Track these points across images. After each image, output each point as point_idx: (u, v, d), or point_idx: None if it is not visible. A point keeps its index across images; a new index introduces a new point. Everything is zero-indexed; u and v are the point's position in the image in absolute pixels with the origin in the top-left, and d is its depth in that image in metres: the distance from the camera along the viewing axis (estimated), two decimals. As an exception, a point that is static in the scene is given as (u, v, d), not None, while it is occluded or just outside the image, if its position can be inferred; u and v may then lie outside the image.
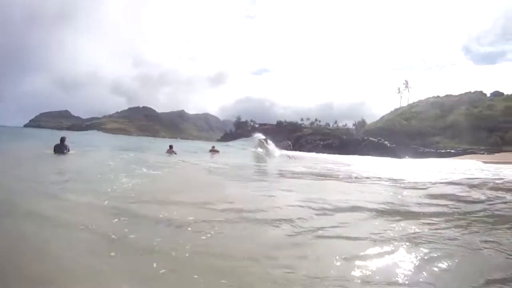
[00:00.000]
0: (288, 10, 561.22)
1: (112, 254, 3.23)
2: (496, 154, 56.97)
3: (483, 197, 7.73)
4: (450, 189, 9.18)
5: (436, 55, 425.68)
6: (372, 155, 54.36)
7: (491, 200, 7.32)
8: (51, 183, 6.64)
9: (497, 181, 11.42)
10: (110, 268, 2.98)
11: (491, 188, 9.55)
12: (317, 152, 55.21)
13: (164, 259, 3.19)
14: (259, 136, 31.47)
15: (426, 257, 3.59)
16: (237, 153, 23.71)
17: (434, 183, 10.60)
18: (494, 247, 4.02)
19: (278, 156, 27.32)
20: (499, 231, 4.75)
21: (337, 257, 3.44)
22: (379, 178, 11.71)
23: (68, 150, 12.06)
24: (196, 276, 2.89)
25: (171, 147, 17.42)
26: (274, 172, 14.14)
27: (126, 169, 9.03)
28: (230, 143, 35.78)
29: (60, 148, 11.82)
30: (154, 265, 3.05)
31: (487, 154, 59.67)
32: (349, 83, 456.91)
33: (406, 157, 54.79)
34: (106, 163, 10.60)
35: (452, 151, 65.94)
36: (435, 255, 3.66)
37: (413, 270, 3.28)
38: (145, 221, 4.40)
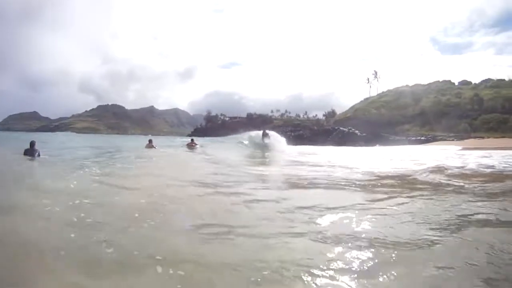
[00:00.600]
0: (256, 3, 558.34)
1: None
2: (466, 140, 57.74)
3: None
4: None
5: (404, 46, 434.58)
6: (343, 145, 53.76)
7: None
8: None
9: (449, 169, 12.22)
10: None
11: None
12: (288, 144, 53.87)
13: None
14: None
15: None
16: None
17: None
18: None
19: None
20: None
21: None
22: (333, 165, 13.92)
23: (39, 155, 11.38)
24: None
25: (150, 141, 17.45)
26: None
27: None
28: (220, 139, 32.68)
29: (31, 153, 11.19)
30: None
31: (456, 140, 60.18)
32: (318, 74, 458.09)
33: (377, 145, 55.03)
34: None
35: (422, 138, 66.24)
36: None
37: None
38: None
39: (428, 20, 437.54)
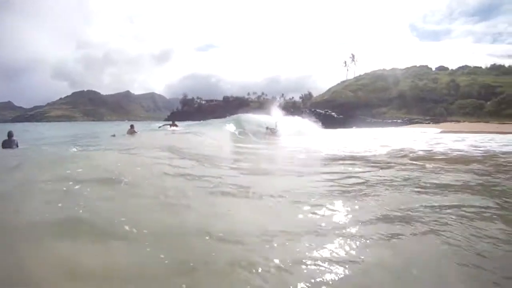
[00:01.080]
0: None
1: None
2: (442, 124, 58.19)
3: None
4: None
5: (383, 32, 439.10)
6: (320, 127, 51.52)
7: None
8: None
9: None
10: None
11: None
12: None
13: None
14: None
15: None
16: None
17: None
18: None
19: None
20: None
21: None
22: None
23: (17, 146, 10.92)
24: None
25: (132, 126, 16.91)
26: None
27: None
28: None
29: (9, 144, 10.72)
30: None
31: (433, 123, 60.38)
32: (296, 57, 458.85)
33: (354, 127, 55.75)
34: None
35: (399, 121, 66.57)
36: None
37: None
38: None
39: (408, 7, 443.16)
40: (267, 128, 22.55)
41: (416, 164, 9.50)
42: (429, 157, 11.91)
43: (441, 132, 37.58)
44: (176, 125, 20.88)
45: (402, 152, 13.21)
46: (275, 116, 26.10)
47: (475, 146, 16.61)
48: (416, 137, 25.08)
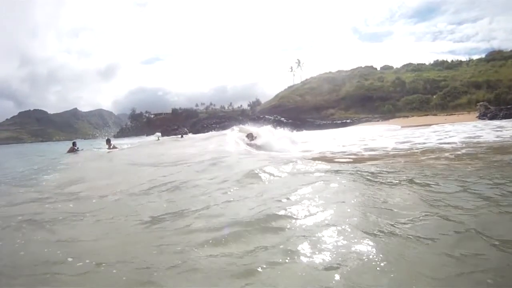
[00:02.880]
0: None
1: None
2: (391, 120, 59.29)
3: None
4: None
5: (326, 36, 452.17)
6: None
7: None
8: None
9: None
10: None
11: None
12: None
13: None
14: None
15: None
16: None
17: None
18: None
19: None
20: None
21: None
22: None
23: None
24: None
25: (74, 144, 16.99)
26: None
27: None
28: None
29: None
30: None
31: (381, 121, 61.04)
32: (241, 65, 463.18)
33: (304, 130, 54.11)
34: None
35: (348, 121, 66.02)
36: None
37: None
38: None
39: (349, 11, 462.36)
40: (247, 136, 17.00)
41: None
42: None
43: (402, 127, 37.35)
44: (111, 145, 18.09)
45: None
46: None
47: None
48: (381, 134, 24.26)
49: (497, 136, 16.14)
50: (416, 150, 11.69)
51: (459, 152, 10.00)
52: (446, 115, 56.11)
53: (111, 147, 17.98)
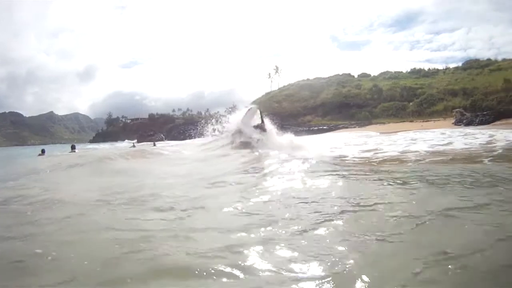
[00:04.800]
0: (158, 1, 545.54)
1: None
2: (367, 127, 59.10)
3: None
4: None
5: (304, 43, 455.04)
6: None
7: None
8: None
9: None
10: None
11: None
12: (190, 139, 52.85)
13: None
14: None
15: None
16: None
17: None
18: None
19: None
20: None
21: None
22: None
23: None
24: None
25: (43, 151, 17.55)
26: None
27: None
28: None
29: None
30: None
31: (358, 127, 60.68)
32: (219, 71, 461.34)
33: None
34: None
35: (325, 127, 65.17)
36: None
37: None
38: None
39: (329, 20, 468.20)
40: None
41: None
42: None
43: (381, 134, 36.11)
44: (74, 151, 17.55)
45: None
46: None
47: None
48: (350, 142, 23.32)
49: (466, 144, 15.77)
50: (376, 159, 11.53)
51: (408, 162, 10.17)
52: (423, 121, 56.22)
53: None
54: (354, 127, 61.89)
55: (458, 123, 44.89)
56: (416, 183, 5.64)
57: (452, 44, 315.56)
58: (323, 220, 3.80)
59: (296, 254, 2.92)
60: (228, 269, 2.70)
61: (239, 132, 15.22)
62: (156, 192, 5.78)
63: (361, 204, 4.40)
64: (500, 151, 12.23)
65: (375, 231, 3.35)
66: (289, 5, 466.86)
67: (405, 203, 4.35)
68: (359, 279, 2.45)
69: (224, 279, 2.60)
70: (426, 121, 55.24)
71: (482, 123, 40.35)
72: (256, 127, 15.35)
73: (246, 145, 14.00)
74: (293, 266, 2.71)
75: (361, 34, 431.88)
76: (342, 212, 4.06)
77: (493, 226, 3.36)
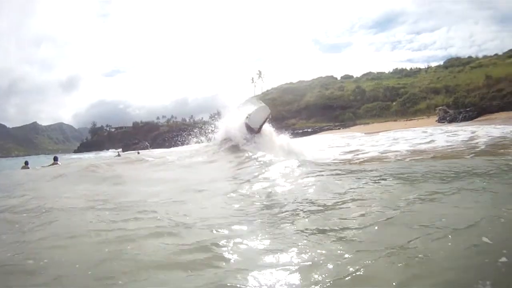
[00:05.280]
0: (141, 9, 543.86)
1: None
2: (351, 128, 59.34)
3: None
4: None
5: (287, 47, 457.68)
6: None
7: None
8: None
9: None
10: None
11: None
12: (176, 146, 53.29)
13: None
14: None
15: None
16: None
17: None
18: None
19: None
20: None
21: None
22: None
23: None
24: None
25: (26, 163, 16.43)
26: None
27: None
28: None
29: None
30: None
31: (342, 128, 60.79)
32: (201, 77, 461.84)
33: None
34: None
35: (309, 130, 64.49)
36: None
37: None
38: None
39: (310, 23, 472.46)
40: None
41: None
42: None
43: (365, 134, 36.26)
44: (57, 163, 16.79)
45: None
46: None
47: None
48: (333, 144, 23.73)
49: (448, 141, 15.61)
50: (357, 160, 11.83)
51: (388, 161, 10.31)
52: (406, 120, 56.39)
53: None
54: (339, 128, 61.86)
55: (441, 120, 44.93)
56: (391, 179, 5.69)
57: (433, 43, 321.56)
58: (293, 219, 4.01)
59: (263, 247, 3.22)
60: (208, 263, 2.97)
61: (229, 136, 13.91)
62: (142, 198, 5.92)
63: (332, 203, 4.53)
64: (482, 147, 12.32)
65: (337, 226, 3.57)
66: (271, 10, 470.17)
67: (375, 200, 4.41)
68: (319, 270, 2.66)
69: (204, 273, 2.81)
70: (409, 120, 55.38)
71: (465, 119, 40.47)
72: (250, 128, 13.73)
73: (235, 149, 12.91)
74: (260, 258, 2.99)
75: (343, 36, 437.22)
76: (314, 211, 4.26)
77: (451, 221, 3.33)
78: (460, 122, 39.29)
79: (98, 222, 4.41)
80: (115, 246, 3.38)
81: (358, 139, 26.80)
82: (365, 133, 38.33)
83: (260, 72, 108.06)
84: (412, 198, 4.19)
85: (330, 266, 2.69)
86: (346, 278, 2.48)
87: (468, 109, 45.18)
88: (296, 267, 2.74)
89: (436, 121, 45.85)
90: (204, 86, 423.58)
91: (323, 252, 2.96)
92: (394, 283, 2.36)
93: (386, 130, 35.94)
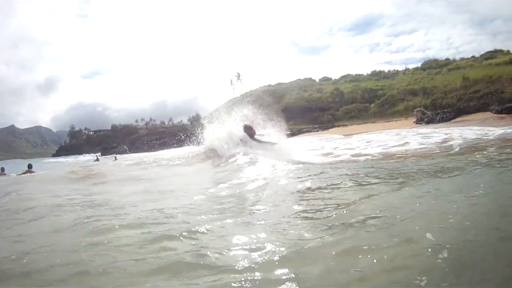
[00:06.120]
0: (121, 10, 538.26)
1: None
2: (330, 130, 58.95)
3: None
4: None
5: (266, 49, 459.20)
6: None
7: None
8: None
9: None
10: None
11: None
12: (155, 151, 56.64)
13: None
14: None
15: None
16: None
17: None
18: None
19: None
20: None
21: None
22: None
23: None
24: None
25: (2, 169, 16.56)
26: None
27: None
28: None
29: None
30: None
31: (321, 130, 60.57)
32: (181, 80, 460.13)
33: None
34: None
35: (288, 132, 61.86)
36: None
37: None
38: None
39: (289, 25, 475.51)
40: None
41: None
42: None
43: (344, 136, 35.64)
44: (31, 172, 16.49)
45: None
46: None
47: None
48: (307, 147, 22.58)
49: (421, 144, 15.50)
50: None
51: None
52: (384, 122, 56.21)
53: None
54: (317, 130, 61.62)
55: (419, 121, 44.94)
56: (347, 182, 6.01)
57: (411, 46, 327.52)
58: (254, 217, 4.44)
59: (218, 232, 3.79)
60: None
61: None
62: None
63: (279, 200, 5.28)
64: (457, 149, 11.99)
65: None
66: (251, 13, 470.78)
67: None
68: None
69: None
70: (388, 122, 55.27)
71: (443, 120, 40.57)
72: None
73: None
74: (216, 242, 3.51)
75: (322, 38, 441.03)
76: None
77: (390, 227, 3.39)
78: (437, 123, 39.46)
79: (77, 217, 4.83)
80: (90, 238, 3.79)
81: (334, 141, 26.57)
82: (344, 135, 37.83)
83: (239, 74, 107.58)
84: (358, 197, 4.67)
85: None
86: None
87: (445, 110, 45.30)
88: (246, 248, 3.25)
89: (414, 122, 45.83)
90: (183, 89, 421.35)
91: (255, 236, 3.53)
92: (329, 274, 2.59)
93: (364, 132, 35.64)
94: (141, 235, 3.73)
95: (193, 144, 17.25)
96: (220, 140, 14.08)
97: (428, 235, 2.88)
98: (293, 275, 2.60)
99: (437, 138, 17.26)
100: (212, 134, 15.15)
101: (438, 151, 11.97)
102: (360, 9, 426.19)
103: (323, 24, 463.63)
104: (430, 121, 42.37)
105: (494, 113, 35.72)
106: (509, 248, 2.69)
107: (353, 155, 13.78)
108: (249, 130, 14.34)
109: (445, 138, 16.48)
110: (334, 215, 3.91)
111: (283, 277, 2.61)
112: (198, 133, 16.31)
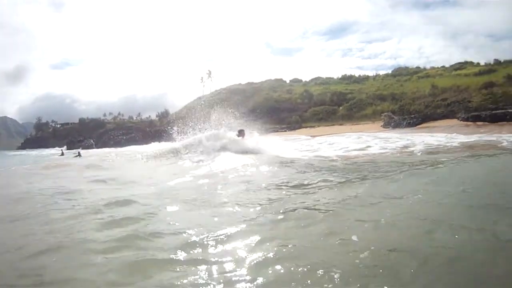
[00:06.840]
0: (97, 1, 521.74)
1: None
2: (297, 130, 59.76)
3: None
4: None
5: (239, 48, 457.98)
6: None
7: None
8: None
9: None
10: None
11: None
12: (121, 147, 56.03)
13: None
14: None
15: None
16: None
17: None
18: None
19: None
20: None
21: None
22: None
23: None
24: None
25: None
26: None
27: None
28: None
29: None
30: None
31: (288, 131, 60.91)
32: (151, 75, 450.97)
33: None
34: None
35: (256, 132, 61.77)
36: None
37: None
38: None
39: (264, 26, 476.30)
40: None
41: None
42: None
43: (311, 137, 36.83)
44: None
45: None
46: None
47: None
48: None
49: (382, 148, 15.51)
50: None
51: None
52: (352, 124, 56.57)
53: None
54: (285, 130, 61.48)
55: (386, 125, 45.58)
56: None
57: (383, 53, 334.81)
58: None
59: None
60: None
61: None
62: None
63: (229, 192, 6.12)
64: (419, 154, 12.03)
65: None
66: (224, 11, 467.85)
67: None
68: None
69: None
70: (355, 125, 55.63)
71: (409, 125, 41.23)
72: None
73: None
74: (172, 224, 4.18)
75: (295, 40, 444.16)
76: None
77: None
78: (404, 128, 39.99)
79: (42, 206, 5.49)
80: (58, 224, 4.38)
81: (298, 142, 26.80)
82: (311, 136, 38.28)
83: (209, 71, 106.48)
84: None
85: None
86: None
87: (412, 115, 45.98)
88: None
89: (381, 126, 46.36)
90: (153, 84, 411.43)
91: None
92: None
93: (330, 134, 36.29)
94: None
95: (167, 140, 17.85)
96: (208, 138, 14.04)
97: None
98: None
99: (399, 143, 17.08)
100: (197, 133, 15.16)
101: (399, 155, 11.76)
102: (335, 15, 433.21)
103: (298, 27, 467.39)
104: (397, 126, 42.87)
105: (460, 120, 36.31)
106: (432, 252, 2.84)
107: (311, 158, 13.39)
108: (242, 133, 14.94)
109: (407, 144, 16.34)
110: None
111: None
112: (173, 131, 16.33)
